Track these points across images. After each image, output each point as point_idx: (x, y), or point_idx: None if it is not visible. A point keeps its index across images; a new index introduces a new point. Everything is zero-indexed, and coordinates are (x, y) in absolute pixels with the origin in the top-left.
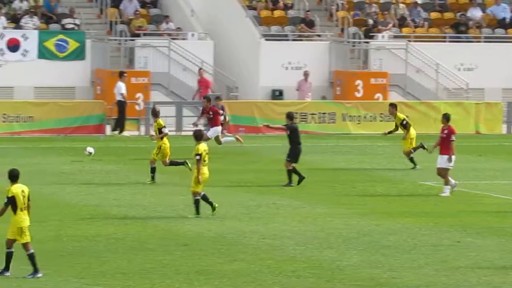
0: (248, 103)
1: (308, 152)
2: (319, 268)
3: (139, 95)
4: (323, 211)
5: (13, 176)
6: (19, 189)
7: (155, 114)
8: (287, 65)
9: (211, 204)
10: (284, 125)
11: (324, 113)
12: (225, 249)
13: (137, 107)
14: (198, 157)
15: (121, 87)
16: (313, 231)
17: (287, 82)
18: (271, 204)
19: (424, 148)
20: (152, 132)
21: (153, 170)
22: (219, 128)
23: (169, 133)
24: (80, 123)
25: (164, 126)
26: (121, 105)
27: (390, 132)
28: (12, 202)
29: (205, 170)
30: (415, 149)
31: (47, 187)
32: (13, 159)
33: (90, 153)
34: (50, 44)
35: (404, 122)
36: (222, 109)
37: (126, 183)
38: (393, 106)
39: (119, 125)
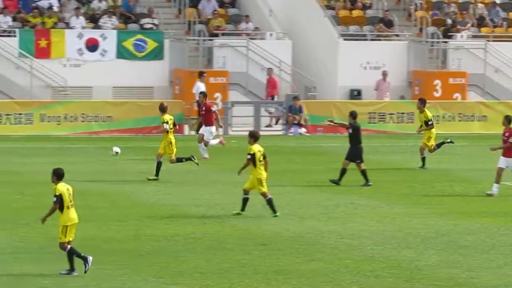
0: (326, 103)
1: (386, 152)
2: (397, 268)
3: (217, 95)
4: (401, 210)
5: (59, 175)
6: (64, 188)
7: (163, 109)
8: (365, 65)
9: (272, 208)
10: (348, 124)
11: (402, 113)
12: (303, 248)
13: (215, 107)
14: (249, 157)
15: (200, 87)
16: (391, 231)
17: (365, 82)
18: (349, 203)
19: (450, 142)
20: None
21: (158, 164)
22: (213, 128)
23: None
24: (158, 122)
25: (166, 122)
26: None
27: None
28: (60, 200)
29: (261, 170)
30: (439, 145)
31: (126, 186)
32: (92, 158)
33: (117, 152)
34: (129, 44)
35: (430, 123)
36: (300, 109)
37: (205, 182)
38: (422, 101)
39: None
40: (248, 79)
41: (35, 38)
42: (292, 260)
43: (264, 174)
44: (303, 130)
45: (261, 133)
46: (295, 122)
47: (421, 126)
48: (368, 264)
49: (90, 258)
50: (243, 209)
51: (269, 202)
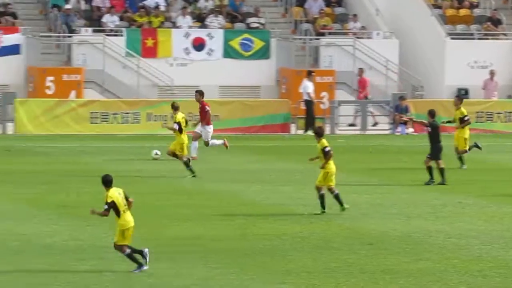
0: (434, 102)
1: (494, 151)
2: (505, 267)
3: (324, 94)
4: (510, 210)
5: (107, 182)
6: (115, 193)
7: (175, 108)
8: (472, 64)
9: (324, 209)
10: (427, 122)
11: (510, 112)
12: (410, 248)
13: (322, 106)
14: (327, 149)
15: (308, 86)
16: (499, 231)
17: (472, 81)
18: (456, 203)
19: (478, 147)
20: (175, 125)
21: (186, 164)
22: (211, 127)
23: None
24: (265, 122)
25: (179, 122)
26: (308, 104)
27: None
28: (113, 207)
29: (331, 164)
30: (470, 148)
31: (234, 185)
32: (200, 157)
33: (157, 154)
34: (235, 43)
35: (466, 118)
36: (406, 109)
37: (311, 181)
38: (459, 98)
39: (308, 124)
40: (354, 78)
41: (142, 38)
42: (399, 259)
43: (333, 168)
44: (410, 130)
45: (368, 132)
46: (402, 121)
47: (452, 122)
48: (476, 264)
49: (146, 250)
50: (340, 203)
51: (336, 197)
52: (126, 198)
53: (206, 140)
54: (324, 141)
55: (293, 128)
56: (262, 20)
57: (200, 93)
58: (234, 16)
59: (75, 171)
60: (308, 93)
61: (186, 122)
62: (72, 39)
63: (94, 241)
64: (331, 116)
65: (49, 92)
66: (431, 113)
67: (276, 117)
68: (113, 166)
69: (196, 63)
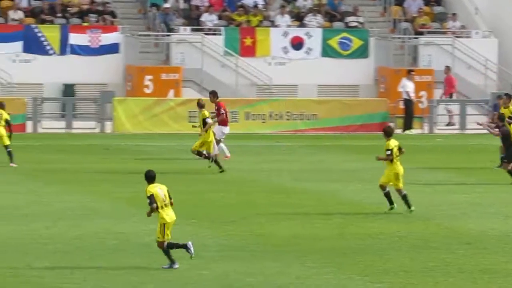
0: None
1: None
2: None
3: (422, 93)
4: None
5: (150, 177)
6: (155, 188)
7: (201, 105)
8: None
9: (394, 205)
10: (497, 131)
11: None
12: (509, 247)
13: (421, 105)
14: (388, 153)
15: (407, 86)
16: None
17: None
18: None
19: None
20: (197, 124)
21: (215, 161)
22: (227, 129)
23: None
24: (363, 121)
25: (208, 117)
26: (408, 103)
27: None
28: (153, 200)
29: (398, 165)
30: None
31: (332, 185)
32: (297, 157)
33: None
34: (334, 42)
35: None
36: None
37: (410, 181)
38: (508, 96)
39: (407, 124)
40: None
41: (240, 37)
42: (498, 259)
43: (401, 169)
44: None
45: (467, 131)
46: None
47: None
48: None
49: (189, 243)
50: (391, 203)
51: (404, 198)
52: (170, 196)
53: (217, 139)
54: (389, 143)
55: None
56: (361, 19)
57: (213, 94)
58: (332, 15)
59: (173, 170)
60: (407, 92)
61: (219, 116)
62: (170, 38)
63: (192, 239)
64: (430, 115)
65: (147, 91)
66: (501, 117)
67: (374, 116)
68: (211, 165)
69: (294, 62)
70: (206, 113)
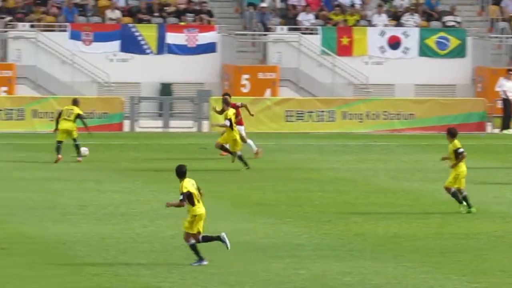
0: None
1: None
2: None
3: None
4: None
5: (181, 173)
6: (190, 183)
7: (227, 103)
8: None
9: (463, 202)
10: None
11: None
12: None
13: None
14: (461, 151)
15: (504, 85)
16: None
17: None
18: None
19: None
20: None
21: (240, 157)
22: (242, 127)
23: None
24: (460, 120)
25: (230, 119)
26: (506, 103)
27: None
28: (189, 197)
29: (462, 167)
30: None
31: (429, 185)
32: (394, 156)
33: (85, 152)
34: (431, 41)
35: None
36: None
37: (508, 182)
38: None
39: (505, 123)
40: None
41: (337, 36)
42: None
43: (465, 171)
44: None
45: None
46: None
47: None
48: None
49: (223, 234)
50: (468, 205)
51: (465, 198)
52: (198, 189)
53: (243, 137)
54: (457, 142)
55: (489, 127)
56: (458, 19)
57: (228, 95)
58: (430, 14)
59: (271, 169)
60: (505, 92)
61: (236, 117)
62: (267, 37)
63: (288, 239)
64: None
65: (244, 90)
66: None
67: (472, 115)
68: (308, 164)
69: (392, 62)
70: (230, 112)
